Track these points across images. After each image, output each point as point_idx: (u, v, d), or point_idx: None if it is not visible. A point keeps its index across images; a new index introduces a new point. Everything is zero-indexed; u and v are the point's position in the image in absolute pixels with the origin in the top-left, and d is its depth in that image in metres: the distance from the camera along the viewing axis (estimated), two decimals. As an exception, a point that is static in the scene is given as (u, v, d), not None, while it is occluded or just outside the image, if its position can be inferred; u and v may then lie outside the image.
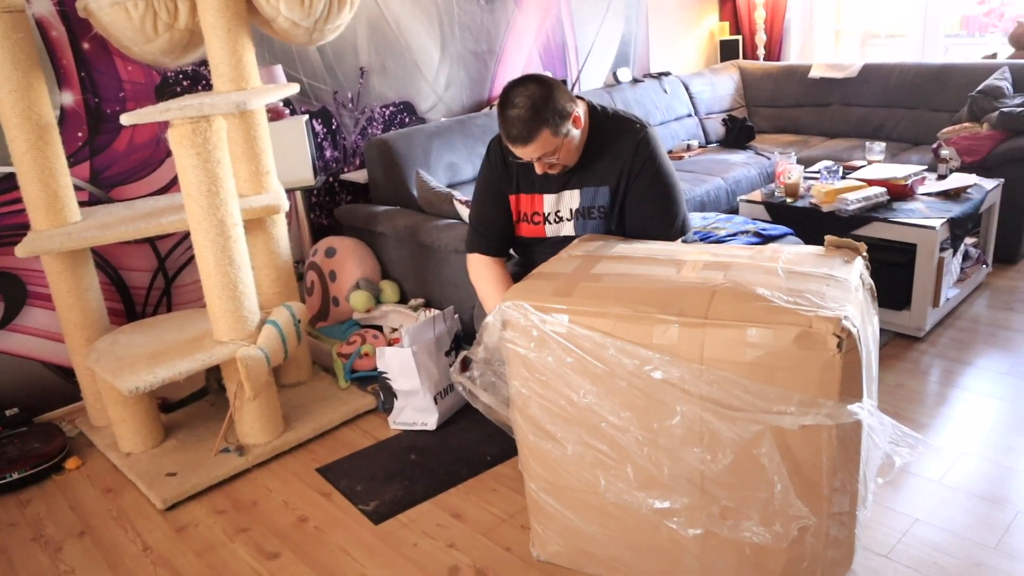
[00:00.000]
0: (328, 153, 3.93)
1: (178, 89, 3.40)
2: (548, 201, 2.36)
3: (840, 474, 1.72)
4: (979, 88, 4.26)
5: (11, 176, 3.03)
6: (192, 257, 3.54)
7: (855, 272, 1.89)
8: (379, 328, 3.38)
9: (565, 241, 2.32)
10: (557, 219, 2.37)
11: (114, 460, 2.86)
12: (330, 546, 2.35)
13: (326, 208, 3.96)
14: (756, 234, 3.23)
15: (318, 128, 3.87)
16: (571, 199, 2.34)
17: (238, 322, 2.65)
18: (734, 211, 3.62)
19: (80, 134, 3.18)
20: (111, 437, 2.97)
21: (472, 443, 2.76)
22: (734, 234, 3.25)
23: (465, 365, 2.07)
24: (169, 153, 3.41)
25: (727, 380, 1.70)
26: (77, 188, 3.15)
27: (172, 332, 2.83)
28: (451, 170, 3.69)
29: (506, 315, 1.91)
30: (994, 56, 4.85)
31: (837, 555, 1.82)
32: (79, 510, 2.67)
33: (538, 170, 2.25)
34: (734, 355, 1.69)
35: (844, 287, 1.78)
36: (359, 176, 3.86)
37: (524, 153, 2.17)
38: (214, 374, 3.15)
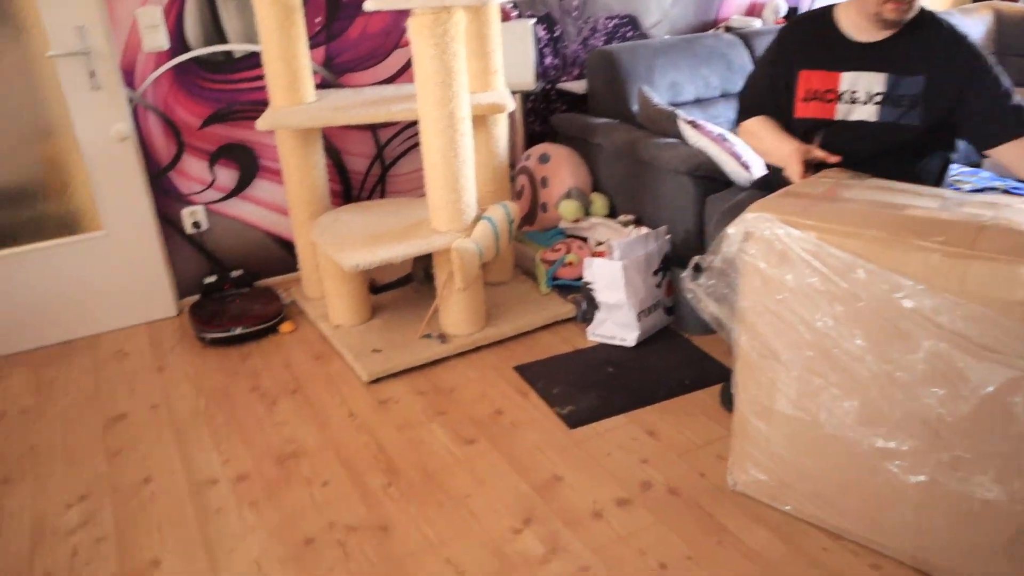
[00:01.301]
0: (548, 60, 3.89)
1: (415, -19, 3.44)
2: (846, 79, 2.23)
3: None
4: None
5: (255, 54, 3.19)
6: (408, 149, 3.63)
7: None
8: (584, 239, 3.37)
9: (852, 127, 2.24)
10: (852, 99, 2.25)
11: (324, 330, 3.02)
12: (524, 442, 2.40)
13: (540, 115, 3.95)
14: (1005, 192, 2.96)
15: (541, 33, 3.83)
16: (872, 82, 2.21)
17: (456, 214, 2.70)
18: (976, 165, 3.32)
19: (318, 19, 3.28)
20: (322, 308, 3.14)
21: (670, 365, 2.73)
22: (980, 190, 2.99)
23: (697, 272, 2.03)
24: (397, 44, 3.47)
25: (987, 318, 1.57)
26: (312, 71, 3.27)
27: (390, 217, 2.93)
28: (673, 89, 3.57)
29: (749, 227, 1.84)
30: None
31: None
32: (292, 370, 2.85)
33: (891, 13, 2.09)
34: (1000, 292, 1.54)
35: None
36: (576, 86, 3.80)
37: None
38: (422, 263, 3.25)
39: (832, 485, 1.94)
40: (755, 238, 1.84)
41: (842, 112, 2.25)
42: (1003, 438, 1.63)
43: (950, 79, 2.13)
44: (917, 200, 1.87)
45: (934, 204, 1.83)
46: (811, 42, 2.29)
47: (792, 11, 4.54)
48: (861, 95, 2.23)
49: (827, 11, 2.29)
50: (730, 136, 2.96)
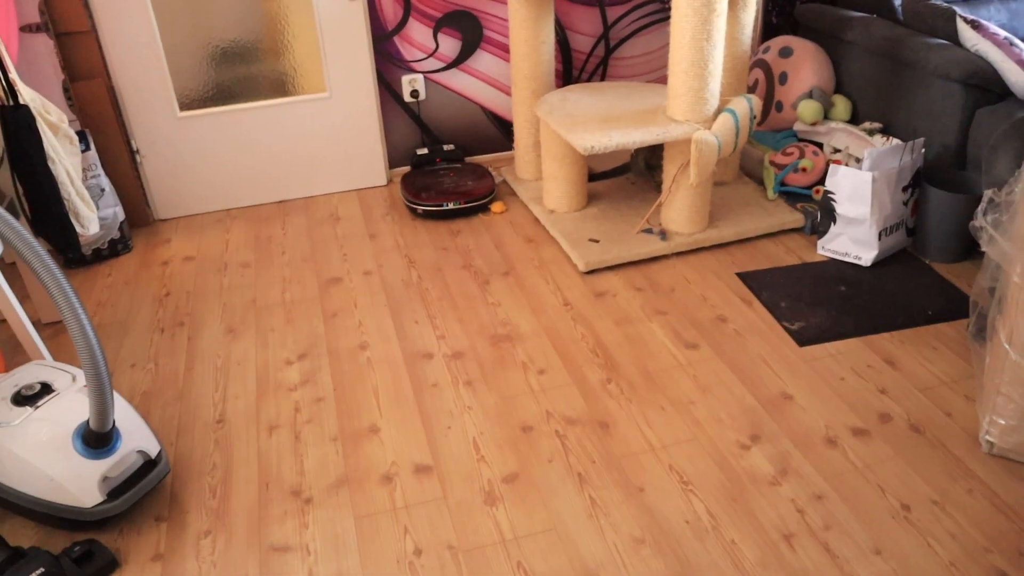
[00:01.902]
0: (795, -57, 3.54)
1: None
2: None
3: None
4: None
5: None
6: (635, 31, 3.42)
7: None
8: (819, 145, 3.10)
9: None
10: None
11: (537, 214, 2.95)
12: (751, 353, 2.27)
13: (778, 3, 3.62)
14: None
15: (793, -88, 3.47)
16: None
17: (698, 104, 2.51)
18: None
19: None
20: (536, 191, 3.06)
21: (910, 291, 2.49)
22: None
23: (988, 208, 1.79)
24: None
25: None
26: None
27: (621, 101, 2.77)
28: (941, -16, 3.17)
29: None
30: None
31: None
32: (503, 251, 2.80)
33: None
34: None
35: None
36: (828, -26, 3.45)
37: None
38: (642, 153, 3.09)
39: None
40: None
41: None
42: None
43: None
44: None
45: None
46: None
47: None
48: None
49: None
50: (1018, 42, 2.59)
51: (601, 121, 2.58)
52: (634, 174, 3.15)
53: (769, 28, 3.61)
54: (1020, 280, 1.75)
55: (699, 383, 2.16)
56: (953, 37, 2.72)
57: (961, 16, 2.68)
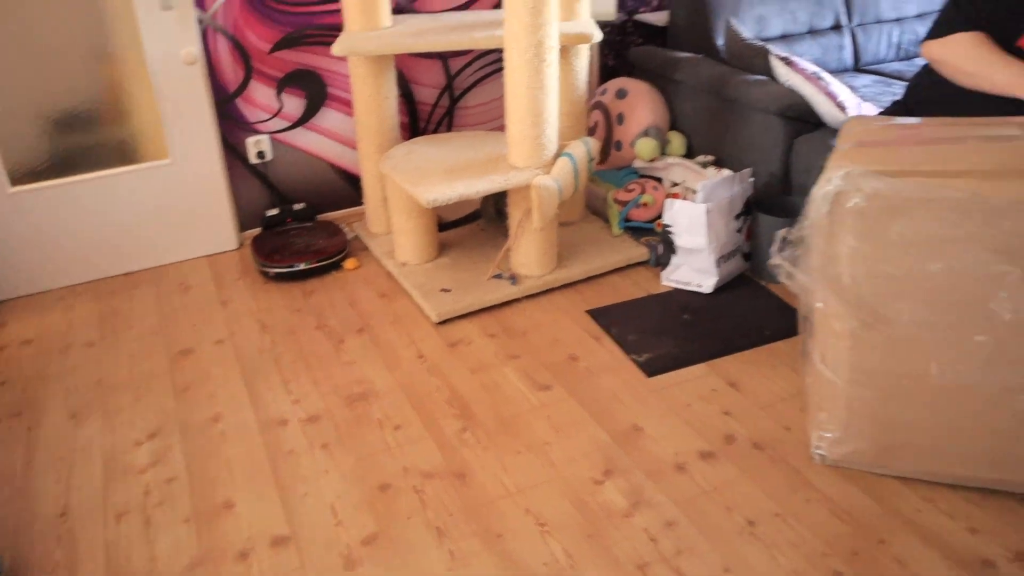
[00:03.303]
0: (624, -10, 3.71)
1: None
2: None
3: None
4: None
5: (328, -26, 3.07)
6: (478, 80, 3.50)
7: None
8: (658, 180, 3.24)
9: None
10: None
11: (390, 268, 2.95)
12: (601, 389, 2.32)
13: (614, 47, 3.78)
14: None
15: (619, -38, 3.64)
16: None
17: (536, 150, 2.59)
18: None
19: (392, -61, 3.14)
20: (388, 245, 3.07)
21: (749, 314, 2.62)
22: None
23: (783, 245, 1.91)
24: (472, -31, 3.32)
25: None
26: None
27: (466, 151, 2.82)
28: (759, 23, 3.38)
29: (840, 186, 1.71)
30: None
31: None
32: (357, 308, 2.79)
33: None
34: None
35: None
36: (657, 18, 3.62)
37: None
38: (491, 200, 3.15)
39: (949, 436, 1.87)
40: (846, 197, 1.71)
41: None
42: None
43: None
44: (1001, 130, 1.79)
45: (1018, 132, 1.76)
46: None
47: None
48: None
49: None
50: (825, 75, 2.79)
51: (445, 173, 2.62)
52: (485, 221, 3.20)
53: (607, 71, 3.76)
54: (823, 307, 1.86)
55: (553, 424, 2.19)
56: (770, 73, 2.91)
57: (774, 54, 2.87)
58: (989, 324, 1.71)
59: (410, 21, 2.94)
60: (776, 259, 1.93)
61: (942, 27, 2.17)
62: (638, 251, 2.94)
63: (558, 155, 2.64)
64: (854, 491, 1.95)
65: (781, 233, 1.94)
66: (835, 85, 2.74)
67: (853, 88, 3.29)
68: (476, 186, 2.51)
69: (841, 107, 2.67)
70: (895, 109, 2.35)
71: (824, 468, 2.02)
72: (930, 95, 2.24)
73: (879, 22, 3.79)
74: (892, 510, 1.89)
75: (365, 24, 2.81)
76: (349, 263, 3.06)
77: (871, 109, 2.77)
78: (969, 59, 2.11)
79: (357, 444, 2.17)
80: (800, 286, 1.92)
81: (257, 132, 3.18)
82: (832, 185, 1.74)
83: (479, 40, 2.66)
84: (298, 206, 3.27)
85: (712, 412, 2.22)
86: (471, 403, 2.29)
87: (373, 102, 2.91)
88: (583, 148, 2.65)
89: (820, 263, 1.84)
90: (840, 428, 1.97)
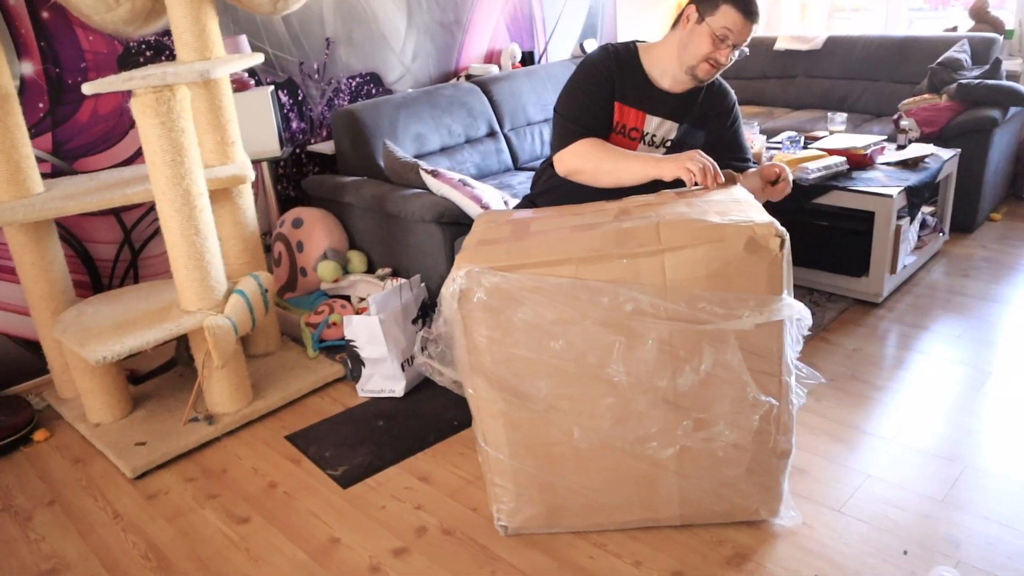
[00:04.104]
0: (295, 124, 3.92)
1: (141, 60, 3.38)
2: (651, 122, 2.37)
3: (784, 361, 1.95)
4: (939, 60, 4.33)
5: (-28, 147, 3.00)
6: (159, 229, 3.52)
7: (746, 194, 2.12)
8: (347, 298, 3.40)
9: None
10: (652, 142, 2.39)
11: (83, 431, 2.86)
12: (300, 510, 2.39)
13: (293, 180, 3.96)
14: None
15: (284, 99, 3.85)
16: (669, 129, 2.39)
17: (205, 292, 2.66)
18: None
19: (41, 104, 3.15)
20: (79, 408, 2.98)
21: (439, 409, 2.80)
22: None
23: (425, 344, 2.09)
24: (133, 124, 3.39)
25: (691, 296, 1.85)
26: (39, 160, 3.12)
27: (139, 302, 2.84)
28: (418, 141, 3.70)
29: (463, 284, 1.90)
30: (955, 29, 4.92)
31: (786, 444, 2.05)
32: (48, 480, 2.68)
33: (722, 59, 2.26)
34: (693, 272, 1.85)
35: (754, 204, 2.00)
36: (326, 147, 3.86)
37: (745, 32, 2.23)
38: (184, 344, 3.16)
39: (603, 488, 2.10)
40: (471, 292, 1.91)
41: (641, 150, 2.39)
42: (725, 389, 1.94)
43: (722, 133, 2.44)
44: (595, 217, 2.08)
45: (606, 218, 2.05)
46: (626, 77, 2.33)
47: (527, 55, 4.83)
48: (658, 139, 2.40)
49: (633, 51, 2.36)
50: (470, 180, 3.11)
51: (115, 328, 2.62)
52: (181, 366, 3.20)
53: (289, 201, 3.93)
54: (475, 392, 2.05)
55: (251, 555, 2.22)
56: (424, 186, 3.19)
57: (422, 167, 3.16)
58: (611, 387, 1.95)
59: (64, 184, 2.95)
60: (420, 358, 2.12)
61: (564, 140, 2.32)
62: (334, 368, 3.06)
63: (230, 293, 2.73)
64: (534, 554, 2.14)
65: (421, 334, 2.13)
66: (479, 188, 3.06)
67: (510, 186, 3.67)
68: (147, 336, 2.54)
69: (486, 207, 2.98)
70: (524, 203, 2.66)
71: (508, 539, 2.20)
72: (545, 186, 2.56)
73: (529, 124, 4.26)
74: (568, 563, 2.09)
75: (13, 193, 2.78)
76: (39, 435, 2.93)
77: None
78: (602, 159, 2.26)
79: (44, 625, 2.08)
80: (448, 379, 2.11)
81: (-85, 317, 3.01)
82: (456, 284, 1.93)
83: (132, 196, 2.73)
84: (-25, 386, 3.10)
85: (405, 509, 2.35)
86: (168, 552, 2.27)
87: (37, 268, 2.86)
88: (254, 282, 2.76)
89: (463, 354, 2.04)
90: (513, 499, 2.16)
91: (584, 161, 2.28)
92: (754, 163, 2.50)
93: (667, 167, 2.16)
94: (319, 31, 3.91)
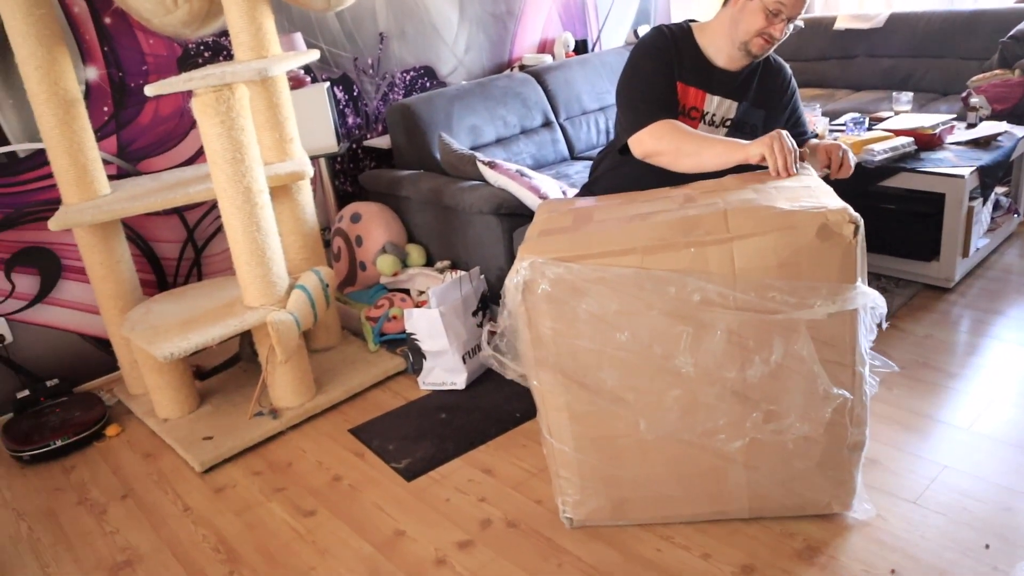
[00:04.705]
0: (351, 120, 3.94)
1: (200, 60, 3.43)
2: (711, 101, 2.33)
3: (858, 352, 1.88)
4: (1010, 34, 4.17)
5: (41, 152, 3.08)
6: (221, 227, 3.59)
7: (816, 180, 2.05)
8: (407, 291, 3.41)
9: None
10: (712, 121, 2.36)
11: (152, 426, 2.93)
12: (364, 503, 2.40)
13: (350, 175, 3.99)
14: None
15: (340, 95, 3.88)
16: (728, 108, 2.35)
17: (267, 288, 2.69)
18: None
19: (106, 108, 3.22)
20: (148, 404, 3.04)
21: (500, 401, 2.80)
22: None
23: (491, 339, 2.08)
24: (193, 124, 3.45)
25: (761, 285, 1.80)
26: (105, 162, 3.20)
27: (203, 300, 2.88)
28: (473, 133, 3.69)
29: (527, 276, 1.89)
30: (1025, 0, 4.74)
31: (859, 437, 1.98)
32: (121, 474, 2.74)
33: (776, 33, 2.20)
34: (763, 261, 1.79)
35: (825, 189, 1.92)
36: (382, 142, 3.87)
37: (799, 5, 2.16)
38: (247, 340, 3.21)
39: (670, 482, 2.07)
40: (535, 284, 1.89)
41: (701, 131, 2.31)
42: (796, 381, 1.88)
43: (780, 110, 2.39)
44: (659, 204, 2.03)
45: (671, 205, 2.00)
46: (684, 56, 2.30)
47: (580, 43, 4.79)
48: (718, 119, 2.36)
49: (688, 31, 2.33)
50: (527, 171, 3.09)
51: (180, 326, 2.67)
52: (245, 362, 3.25)
53: (346, 197, 3.96)
54: (539, 385, 2.04)
55: (318, 548, 2.25)
56: (481, 177, 3.18)
57: (479, 159, 3.15)
58: (678, 379, 1.92)
59: (128, 186, 3.01)
60: (487, 351, 2.11)
61: (638, 121, 2.23)
62: (395, 362, 3.08)
63: (291, 289, 2.75)
64: (600, 547, 2.11)
65: (487, 327, 2.12)
66: (537, 179, 3.04)
67: (567, 176, 3.64)
68: (211, 333, 2.58)
69: (544, 198, 2.96)
70: (583, 191, 2.62)
71: (573, 531, 2.18)
72: (605, 170, 2.51)
73: (584, 113, 4.22)
74: (635, 556, 2.07)
75: (82, 195, 2.85)
76: (111, 430, 3.00)
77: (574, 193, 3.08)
78: (684, 140, 2.17)
79: (120, 616, 2.13)
80: (514, 371, 2.10)
81: (-9, 317, 3.10)
82: (520, 276, 1.92)
83: (193, 195, 2.77)
84: (51, 382, 3.18)
85: (468, 502, 2.34)
86: (237, 545, 2.30)
87: (106, 268, 2.93)
88: (315, 278, 2.78)
89: (527, 347, 2.02)
90: (578, 491, 2.14)
91: (664, 142, 2.19)
92: (815, 136, 2.43)
93: (753, 150, 2.08)
94: (372, 26, 3.93)
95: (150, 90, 2.46)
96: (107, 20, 3.15)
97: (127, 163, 3.30)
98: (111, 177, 3.21)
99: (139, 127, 3.31)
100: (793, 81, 2.41)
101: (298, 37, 3.52)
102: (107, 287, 2.96)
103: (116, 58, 3.20)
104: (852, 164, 2.24)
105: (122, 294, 2.98)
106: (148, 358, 2.80)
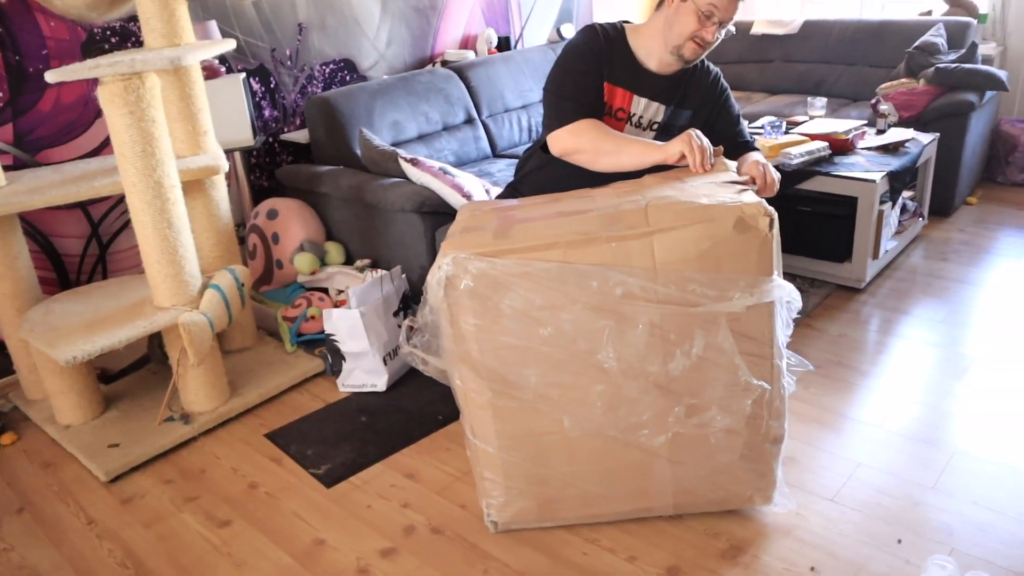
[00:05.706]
0: (267, 113, 3.81)
1: (106, 46, 3.26)
2: (639, 103, 2.31)
3: (776, 345, 1.92)
4: (915, 44, 4.32)
5: (-71, 139, 2.88)
6: (128, 222, 3.42)
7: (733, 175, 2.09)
8: (325, 290, 3.32)
9: None
10: (639, 124, 2.34)
11: (52, 434, 2.77)
12: (282, 511, 2.32)
13: (266, 169, 3.86)
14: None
15: (256, 87, 3.75)
16: (656, 111, 2.33)
17: (179, 287, 2.57)
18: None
19: (0, 94, 3.03)
20: (48, 410, 2.88)
21: (423, 403, 2.75)
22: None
23: (410, 334, 2.03)
24: (99, 114, 3.27)
25: (682, 278, 1.83)
26: (0, 152, 3.01)
27: (109, 299, 2.74)
28: (395, 128, 3.62)
29: (450, 270, 1.86)
30: (929, 13, 4.92)
31: (779, 429, 2.01)
32: (17, 486, 2.58)
33: (708, 37, 2.20)
34: (683, 253, 1.82)
35: (743, 187, 1.97)
36: (300, 136, 3.76)
37: (731, 9, 2.17)
38: (156, 341, 3.07)
39: (595, 478, 2.06)
40: (457, 280, 1.86)
41: (628, 132, 2.32)
42: (717, 373, 1.91)
43: (707, 111, 2.38)
44: (582, 203, 2.04)
45: (592, 203, 2.02)
46: (614, 57, 2.28)
47: (503, 40, 4.76)
48: (645, 120, 2.34)
49: (621, 31, 2.31)
50: (450, 169, 3.04)
51: (85, 327, 2.53)
52: (154, 363, 3.11)
53: (262, 192, 3.83)
54: (462, 383, 2.00)
55: (234, 560, 2.15)
56: (403, 175, 3.11)
57: (402, 156, 3.08)
58: (602, 374, 1.92)
59: (26, 178, 2.83)
60: (405, 348, 2.06)
61: (560, 119, 2.24)
62: (313, 363, 2.99)
63: (205, 288, 2.64)
64: (526, 551, 2.09)
65: (406, 323, 2.07)
66: (460, 177, 2.99)
67: (490, 174, 3.61)
68: (119, 335, 2.45)
69: (468, 196, 2.92)
70: (507, 190, 2.59)
71: (499, 536, 2.15)
72: (530, 169, 2.49)
73: (507, 111, 4.20)
74: (561, 559, 2.05)
75: (-25, 188, 2.67)
76: (6, 438, 2.82)
77: (497, 192, 3.05)
78: (603, 140, 2.19)
79: (17, 638, 2.00)
80: (435, 368, 2.05)
81: None
82: (443, 271, 1.87)
83: (100, 189, 2.63)
84: (-61, 388, 2.98)
85: (391, 508, 2.29)
86: (146, 559, 2.19)
87: (2, 265, 2.74)
88: (229, 276, 2.68)
89: (449, 343, 1.98)
90: (503, 493, 2.11)
91: (583, 141, 2.20)
92: (752, 140, 2.44)
93: (672, 148, 2.11)
94: (291, 16, 3.81)
95: (51, 76, 2.31)
96: (2, 0, 2.96)
97: (25, 153, 3.11)
98: (6, 168, 3.02)
99: (39, 115, 3.13)
100: (724, 84, 2.42)
101: (213, 25, 3.38)
102: (2, 286, 2.77)
103: (13, 40, 3.01)
104: (776, 179, 2.21)
105: (19, 293, 2.81)
106: (48, 361, 2.65)
